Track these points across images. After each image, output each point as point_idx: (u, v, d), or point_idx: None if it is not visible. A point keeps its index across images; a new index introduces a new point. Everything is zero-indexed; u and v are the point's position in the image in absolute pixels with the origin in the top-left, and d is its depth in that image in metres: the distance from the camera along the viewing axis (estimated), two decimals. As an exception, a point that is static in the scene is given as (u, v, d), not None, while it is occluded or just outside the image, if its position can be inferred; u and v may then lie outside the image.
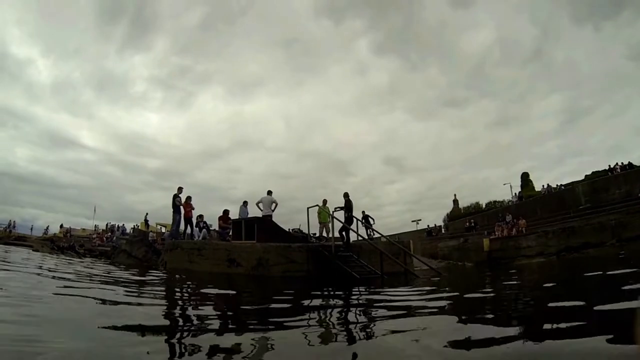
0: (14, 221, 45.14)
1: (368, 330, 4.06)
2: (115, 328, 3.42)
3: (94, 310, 4.41)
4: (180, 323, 4.35)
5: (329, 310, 5.35)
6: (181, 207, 15.48)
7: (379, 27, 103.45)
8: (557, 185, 34.08)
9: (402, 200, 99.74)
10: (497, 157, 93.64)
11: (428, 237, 37.87)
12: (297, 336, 3.52)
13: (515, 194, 38.88)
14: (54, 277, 8.17)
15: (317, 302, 6.56)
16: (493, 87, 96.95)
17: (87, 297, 5.09)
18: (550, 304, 4.73)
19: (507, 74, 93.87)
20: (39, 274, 8.32)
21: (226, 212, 16.19)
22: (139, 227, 26.32)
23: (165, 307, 5.31)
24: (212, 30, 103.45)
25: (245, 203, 15.77)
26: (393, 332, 3.66)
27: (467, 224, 35.49)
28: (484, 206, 42.57)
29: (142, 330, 3.44)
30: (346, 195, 14.24)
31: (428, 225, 42.72)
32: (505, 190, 41.43)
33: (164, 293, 7.58)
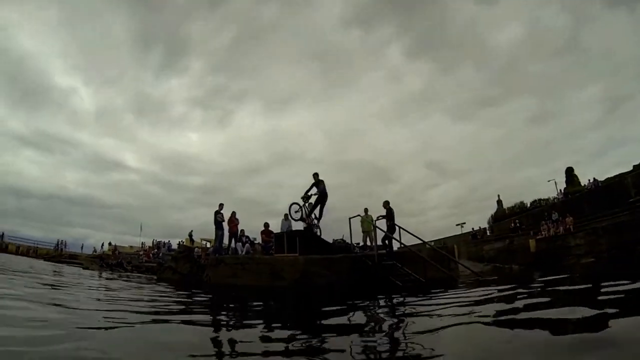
0: (65, 240, 47.11)
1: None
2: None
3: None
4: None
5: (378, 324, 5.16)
6: (223, 223, 15.66)
7: (408, 31, 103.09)
8: (604, 178, 32.44)
9: (446, 204, 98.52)
10: (538, 154, 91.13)
11: (473, 240, 37.02)
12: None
13: (560, 190, 37.32)
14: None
15: (360, 314, 6.33)
16: (528, 82, 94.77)
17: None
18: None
19: (541, 67, 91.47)
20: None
21: (267, 225, 16.29)
22: (184, 243, 26.73)
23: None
24: (244, 48, 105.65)
25: (286, 216, 15.75)
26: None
27: (512, 224, 34.44)
28: (528, 205, 41.17)
29: None
30: (386, 203, 14.10)
31: (473, 228, 41.67)
32: (550, 187, 39.88)
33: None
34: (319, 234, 14.41)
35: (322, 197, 14.12)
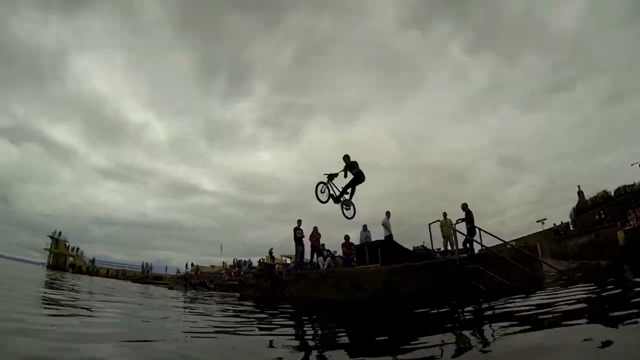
0: (151, 263, 50.13)
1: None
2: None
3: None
4: None
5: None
6: (302, 239, 15.88)
7: (465, 26, 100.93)
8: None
9: (524, 201, 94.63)
10: (617, 136, 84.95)
11: (555, 237, 35.21)
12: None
13: (648, 173, 34.75)
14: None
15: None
16: (597, 60, 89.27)
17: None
18: None
19: (609, 41, 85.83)
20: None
21: (347, 237, 16.36)
22: (265, 260, 27.32)
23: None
24: (306, 64, 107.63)
25: (364, 227, 15.81)
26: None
27: (597, 216, 32.40)
28: (612, 194, 38.57)
29: None
30: (465, 206, 13.80)
31: (554, 224, 39.47)
32: (635, 171, 37.08)
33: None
34: (353, 212, 13.60)
35: (358, 178, 13.17)
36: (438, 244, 15.85)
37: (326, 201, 13.28)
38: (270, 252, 26.36)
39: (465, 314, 6.77)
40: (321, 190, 13.41)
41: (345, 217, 13.44)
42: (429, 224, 13.98)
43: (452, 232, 14.28)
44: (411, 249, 15.46)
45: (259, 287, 16.09)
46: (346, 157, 13.22)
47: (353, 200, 13.47)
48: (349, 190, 13.28)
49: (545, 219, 41.25)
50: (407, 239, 14.68)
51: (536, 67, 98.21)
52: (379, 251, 13.15)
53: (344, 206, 13.61)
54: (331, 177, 13.35)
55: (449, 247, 15.38)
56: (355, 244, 16.01)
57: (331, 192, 13.41)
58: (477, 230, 13.51)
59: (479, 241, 13.47)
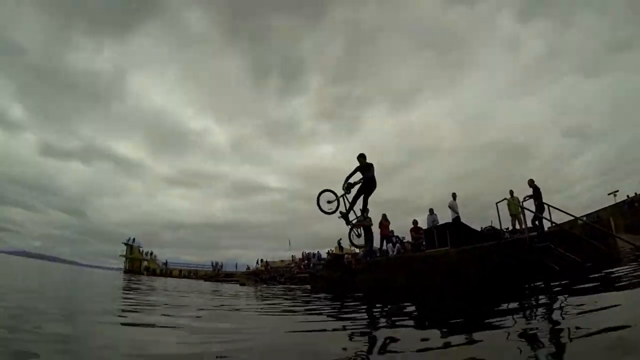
0: (221, 262, 52.29)
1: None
2: None
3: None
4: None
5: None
6: (371, 227, 16.15)
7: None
8: None
9: (593, 173, 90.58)
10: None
11: (630, 209, 33.33)
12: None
13: None
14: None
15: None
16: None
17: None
18: None
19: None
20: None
21: (415, 222, 16.55)
22: (334, 251, 27.78)
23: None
24: (357, 54, 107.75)
25: (431, 210, 16.00)
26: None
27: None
28: (692, 157, 36.12)
29: None
30: (531, 182, 13.57)
31: (627, 196, 37.17)
32: None
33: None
34: (370, 229, 12.79)
35: (368, 185, 11.55)
36: (506, 223, 15.66)
37: (330, 213, 11.82)
38: (339, 243, 26.77)
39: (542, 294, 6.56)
40: (327, 200, 11.84)
41: (352, 244, 12.60)
42: (496, 203, 13.87)
43: (519, 210, 14.12)
44: (479, 230, 15.34)
45: (329, 278, 16.52)
46: (361, 157, 11.87)
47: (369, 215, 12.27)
48: (359, 202, 11.98)
49: (617, 191, 38.97)
50: (475, 221, 14.64)
51: (595, 27, 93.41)
52: (447, 234, 13.21)
53: (354, 230, 12.51)
54: (350, 187, 11.59)
55: (518, 226, 15.23)
56: (423, 228, 16.13)
57: (341, 206, 11.91)
58: (545, 206, 13.26)
59: (548, 218, 13.21)
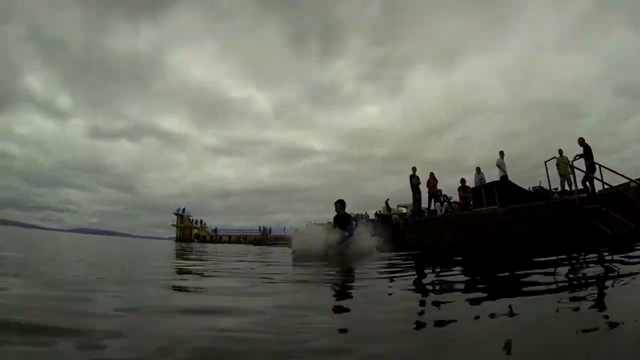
0: (270, 226, 53.99)
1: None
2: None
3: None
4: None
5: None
6: (419, 186, 16.46)
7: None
8: None
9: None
10: None
11: (690, 172, 31.68)
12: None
13: None
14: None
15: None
16: None
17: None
18: None
19: None
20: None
21: (463, 181, 16.66)
22: (382, 212, 28.08)
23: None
24: (397, 13, 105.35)
25: (478, 169, 16.09)
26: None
27: None
28: None
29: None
30: (582, 140, 13.28)
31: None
32: None
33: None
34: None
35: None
36: (555, 184, 15.55)
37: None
38: (387, 203, 27.06)
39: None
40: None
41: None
42: (545, 162, 13.76)
43: (569, 170, 13.79)
44: (528, 189, 15.25)
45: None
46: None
47: None
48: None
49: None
50: (522, 181, 14.46)
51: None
52: (495, 192, 13.36)
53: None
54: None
55: (567, 187, 14.93)
56: (471, 187, 16.29)
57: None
58: (597, 166, 12.93)
59: (600, 179, 12.81)
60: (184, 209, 64.11)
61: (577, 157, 13.38)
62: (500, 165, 14.82)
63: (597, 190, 13.08)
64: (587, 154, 13.11)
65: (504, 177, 14.41)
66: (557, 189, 15.47)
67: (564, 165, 14.46)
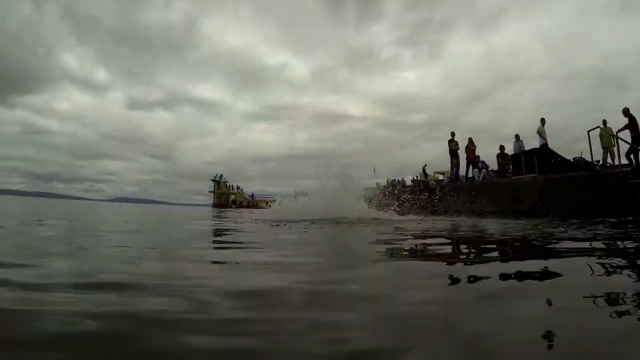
0: (306, 191, 55.02)
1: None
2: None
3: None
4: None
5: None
6: (457, 151, 16.49)
7: None
8: None
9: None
10: None
11: None
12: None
13: None
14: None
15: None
16: None
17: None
18: None
19: None
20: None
21: (502, 148, 16.52)
22: (419, 178, 28.31)
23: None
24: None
25: (517, 137, 15.97)
26: None
27: None
28: None
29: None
30: (626, 111, 12.99)
31: None
32: None
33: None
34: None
35: None
36: (597, 156, 14.96)
37: None
38: (424, 169, 27.16)
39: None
40: None
41: None
42: (588, 131, 13.46)
43: (613, 142, 13.30)
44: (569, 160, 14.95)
45: (416, 202, 17.14)
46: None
47: None
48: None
49: None
50: (562, 153, 14.05)
51: None
52: (535, 160, 13.29)
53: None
54: None
55: (610, 160, 14.31)
56: (510, 154, 16.20)
57: None
58: None
59: None
60: (221, 176, 65.62)
61: (622, 129, 13.07)
62: (541, 133, 14.68)
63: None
64: (633, 125, 12.84)
65: (544, 145, 14.26)
66: (599, 161, 14.89)
67: (607, 137, 13.94)
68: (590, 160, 14.46)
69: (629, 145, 12.76)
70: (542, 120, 14.99)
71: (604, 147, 14.32)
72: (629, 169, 12.26)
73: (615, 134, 13.22)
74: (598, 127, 13.91)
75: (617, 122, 13.54)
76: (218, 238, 5.34)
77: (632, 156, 12.79)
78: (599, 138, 14.28)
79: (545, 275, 2.31)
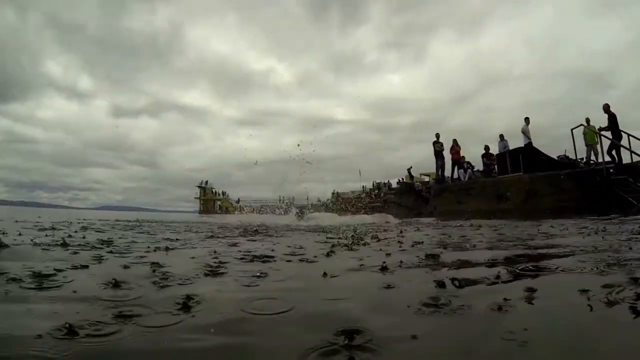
0: (293, 197, 55.75)
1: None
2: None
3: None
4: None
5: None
6: (442, 152, 16.48)
7: None
8: None
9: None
10: None
11: None
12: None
13: None
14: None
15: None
16: None
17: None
18: None
19: None
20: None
21: (487, 147, 16.56)
22: (404, 180, 28.33)
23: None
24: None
25: (501, 136, 15.95)
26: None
27: None
28: None
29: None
30: (607, 107, 12.93)
31: None
32: None
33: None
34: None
35: None
36: (581, 153, 15.04)
37: None
38: (409, 171, 27.21)
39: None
40: None
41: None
42: (571, 129, 13.64)
43: (596, 139, 13.38)
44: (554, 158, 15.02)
45: (402, 205, 17.23)
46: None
47: None
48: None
49: None
50: (546, 152, 14.15)
51: None
52: (520, 158, 13.32)
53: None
54: None
55: (593, 157, 14.30)
56: (495, 154, 16.15)
57: None
58: (623, 135, 12.61)
59: (628, 148, 12.43)
60: (206, 182, 65.57)
61: (605, 128, 13.03)
62: (525, 132, 14.65)
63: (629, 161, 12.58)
64: (612, 121, 12.80)
65: (529, 145, 14.26)
66: (582, 159, 14.89)
67: (591, 135, 13.96)
68: (574, 157, 14.51)
69: (610, 141, 12.79)
70: (527, 120, 14.99)
71: (587, 145, 14.32)
72: (612, 165, 12.48)
73: (597, 131, 13.27)
74: (581, 125, 13.92)
75: (600, 119, 13.44)
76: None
77: (614, 152, 12.78)
78: (582, 136, 14.30)
79: None
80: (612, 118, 12.85)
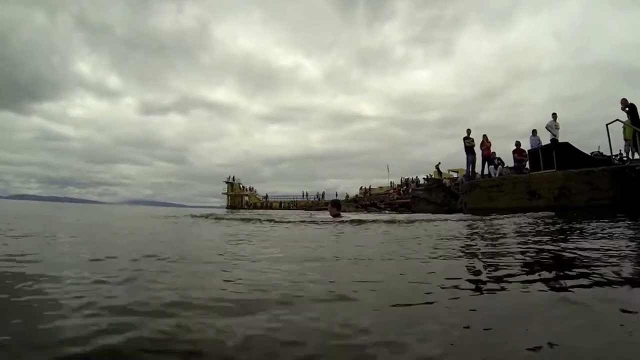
0: (323, 191, 56.56)
1: None
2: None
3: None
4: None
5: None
6: (473, 148, 16.34)
7: None
8: None
9: None
10: None
11: None
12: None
13: None
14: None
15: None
16: None
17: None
18: None
19: None
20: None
21: (518, 143, 16.37)
22: (433, 176, 28.10)
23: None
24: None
25: (534, 132, 15.76)
26: None
27: None
28: None
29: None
30: (625, 101, 12.88)
31: None
32: None
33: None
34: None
35: None
36: (616, 150, 14.51)
37: None
38: (437, 167, 27.01)
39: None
40: None
41: None
42: (607, 125, 13.10)
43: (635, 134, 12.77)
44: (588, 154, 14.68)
45: (431, 201, 17.08)
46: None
47: None
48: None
49: None
50: (581, 147, 13.76)
51: None
52: (554, 155, 13.11)
53: None
54: None
55: (629, 154, 13.88)
56: (526, 150, 16.01)
57: None
58: None
59: None
60: (234, 177, 66.31)
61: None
62: (550, 128, 14.49)
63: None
64: (634, 112, 12.68)
65: (554, 141, 14.01)
66: (616, 155, 14.60)
67: (629, 130, 13.39)
68: (610, 154, 14.06)
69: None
70: (554, 115, 14.77)
71: (626, 140, 13.84)
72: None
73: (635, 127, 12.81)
74: (617, 120, 13.33)
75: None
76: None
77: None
78: (620, 131, 13.77)
79: None
80: (633, 109, 12.62)
